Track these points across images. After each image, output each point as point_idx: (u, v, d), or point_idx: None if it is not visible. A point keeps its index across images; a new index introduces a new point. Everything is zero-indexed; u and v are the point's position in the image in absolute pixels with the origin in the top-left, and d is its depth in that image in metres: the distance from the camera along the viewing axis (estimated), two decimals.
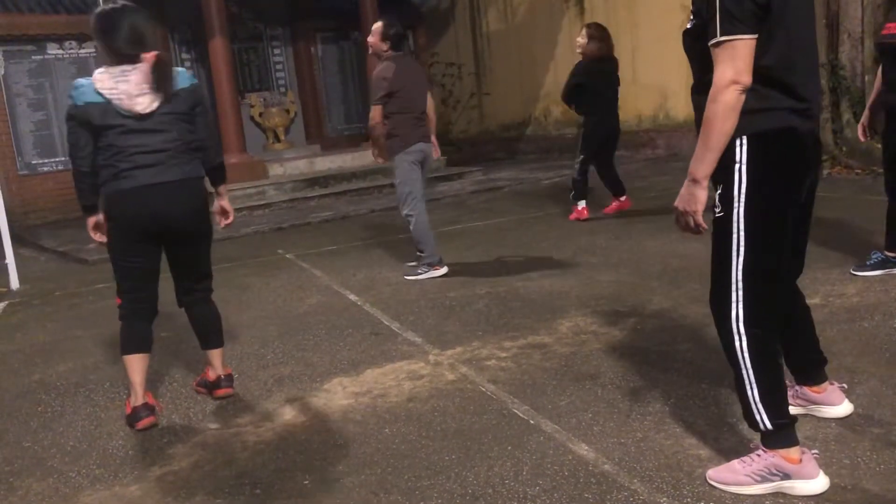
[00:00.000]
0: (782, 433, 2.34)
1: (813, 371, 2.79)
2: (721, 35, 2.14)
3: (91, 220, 3.44)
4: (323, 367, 3.95)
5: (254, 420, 3.39)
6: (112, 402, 3.78)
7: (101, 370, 4.32)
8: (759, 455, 2.38)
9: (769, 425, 2.33)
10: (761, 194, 2.26)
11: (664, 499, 2.39)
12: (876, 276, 4.42)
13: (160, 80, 3.25)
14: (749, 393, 2.34)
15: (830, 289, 4.30)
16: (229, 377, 3.71)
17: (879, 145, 4.76)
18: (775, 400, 2.34)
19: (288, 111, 13.64)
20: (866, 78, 9.08)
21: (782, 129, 2.26)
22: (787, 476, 2.32)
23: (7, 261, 6.90)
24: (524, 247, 6.50)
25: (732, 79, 2.14)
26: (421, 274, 5.66)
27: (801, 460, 2.32)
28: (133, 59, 3.23)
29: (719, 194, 2.31)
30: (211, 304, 3.69)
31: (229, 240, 8.57)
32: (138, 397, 3.41)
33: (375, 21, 13.28)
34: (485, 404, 3.28)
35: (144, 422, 3.36)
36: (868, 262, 4.51)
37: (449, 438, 2.98)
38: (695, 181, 2.25)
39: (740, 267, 2.30)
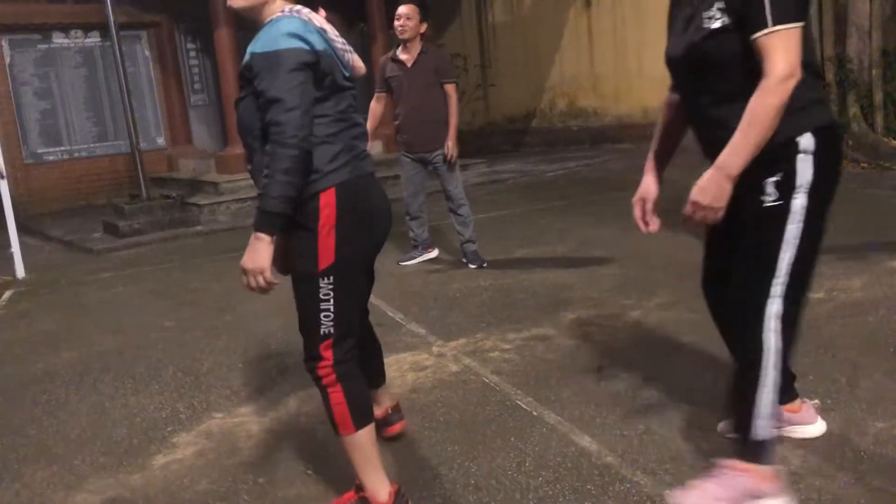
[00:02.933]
0: (769, 447, 2.21)
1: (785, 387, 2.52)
2: (774, 24, 1.97)
3: (271, 246, 2.14)
4: None
5: (258, 410, 3.40)
6: (116, 392, 3.79)
7: (106, 359, 4.33)
8: (730, 473, 2.24)
9: (765, 436, 2.19)
10: (823, 186, 2.15)
11: (667, 491, 2.39)
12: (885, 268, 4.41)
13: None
14: (760, 397, 2.16)
15: (835, 283, 4.29)
16: (397, 409, 2.93)
17: (886, 139, 4.73)
18: (776, 412, 2.21)
19: None
20: (874, 72, 9.03)
21: (832, 123, 2.19)
22: (760, 496, 2.20)
23: (13, 249, 6.92)
24: (528, 239, 6.50)
25: (790, 73, 1.97)
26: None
27: (773, 478, 2.22)
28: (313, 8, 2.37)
29: (776, 182, 2.11)
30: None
31: (233, 230, 8.58)
32: (385, 482, 2.40)
33: (380, 12, 13.05)
34: (488, 395, 3.28)
35: None
36: None
37: (452, 429, 2.99)
38: (728, 176, 2.07)
39: (790, 258, 2.14)
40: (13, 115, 11.65)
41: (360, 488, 2.45)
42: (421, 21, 5.37)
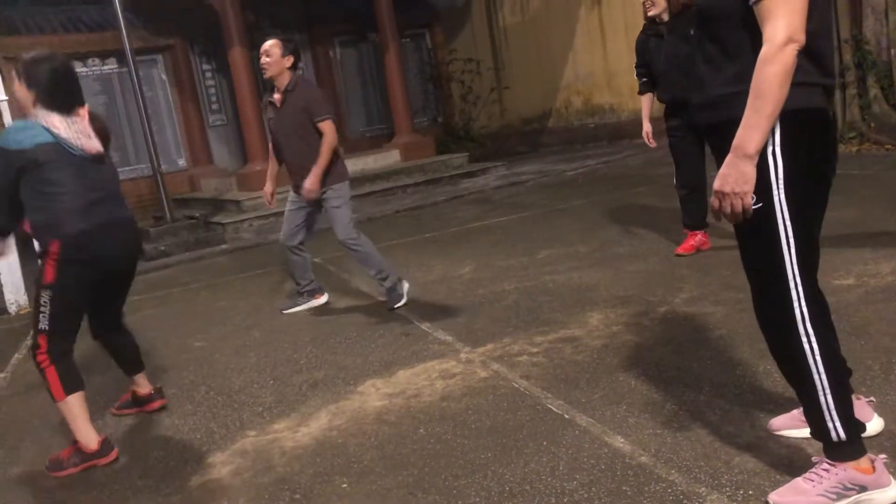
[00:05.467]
0: (855, 444, 2.13)
1: None
2: None
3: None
4: (356, 370, 3.98)
5: (290, 425, 3.42)
6: (150, 414, 3.83)
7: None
8: (827, 470, 2.15)
9: (843, 436, 2.10)
10: (799, 176, 2.04)
11: (703, 489, 2.38)
12: None
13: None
14: (823, 402, 2.10)
15: (864, 268, 4.24)
16: (160, 390, 3.89)
17: None
18: (848, 407, 2.13)
19: None
20: (892, 52, 8.91)
21: (815, 109, 2.05)
22: (863, 488, 2.12)
23: None
24: (551, 240, 6.48)
25: (790, 36, 1.89)
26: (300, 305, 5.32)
27: (874, 469, 2.12)
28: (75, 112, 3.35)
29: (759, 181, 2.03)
30: (129, 331, 3.83)
31: (257, 247, 8.66)
32: (94, 434, 3.29)
33: (390, 23, 13.04)
34: (518, 400, 3.28)
35: (113, 454, 3.32)
36: None
37: (484, 436, 2.99)
38: (746, 156, 1.96)
39: (794, 259, 2.06)
40: None
41: (75, 442, 3.29)
42: (284, 55, 4.86)
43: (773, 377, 3.03)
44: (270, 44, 4.90)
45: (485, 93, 15.62)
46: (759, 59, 1.94)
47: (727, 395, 2.99)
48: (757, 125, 1.95)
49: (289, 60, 4.90)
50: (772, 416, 2.70)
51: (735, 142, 1.99)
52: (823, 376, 2.10)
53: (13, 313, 6.89)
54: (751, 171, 1.98)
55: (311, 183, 4.81)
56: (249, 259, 7.98)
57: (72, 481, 3.18)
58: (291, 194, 5.15)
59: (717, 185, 2.03)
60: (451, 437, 3.02)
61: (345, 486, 2.79)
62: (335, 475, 2.88)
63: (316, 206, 5.06)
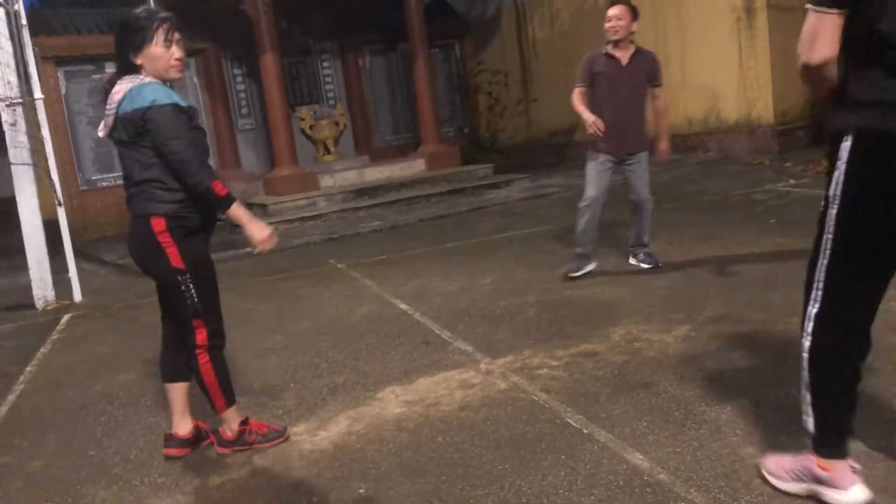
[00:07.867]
0: (826, 445, 2.28)
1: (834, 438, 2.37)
2: (808, 2, 2.01)
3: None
4: (376, 376, 3.99)
5: (309, 429, 3.44)
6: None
7: (161, 381, 4.41)
8: (806, 456, 2.34)
9: (811, 430, 2.31)
10: (859, 202, 2.08)
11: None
12: None
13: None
14: (804, 393, 2.31)
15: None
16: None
17: None
18: (828, 413, 2.28)
19: (337, 123, 13.83)
20: None
21: (887, 128, 1.96)
22: (819, 482, 2.29)
23: (70, 274, 7.13)
24: (574, 254, 6.44)
25: (803, 56, 2.03)
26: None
27: (832, 468, 2.26)
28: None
29: (826, 187, 2.16)
30: (195, 362, 3.18)
31: (282, 251, 8.71)
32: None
33: (420, 31, 13.06)
34: (537, 413, 3.27)
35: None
36: None
37: (502, 448, 2.99)
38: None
39: (824, 267, 2.19)
40: (69, 143, 12.03)
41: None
42: (633, 20, 5.30)
43: (794, 400, 2.99)
44: (621, 9, 5.24)
45: (512, 105, 15.64)
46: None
47: (749, 415, 2.96)
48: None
49: (635, 26, 5.31)
50: (793, 438, 2.67)
51: None
52: (807, 373, 2.28)
53: (40, 308, 7.00)
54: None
55: (666, 145, 5.59)
56: (273, 263, 8.03)
57: (91, 476, 3.22)
58: (599, 155, 5.45)
59: None
60: (468, 447, 3.02)
61: (361, 491, 2.80)
62: (352, 480, 2.89)
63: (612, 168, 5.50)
